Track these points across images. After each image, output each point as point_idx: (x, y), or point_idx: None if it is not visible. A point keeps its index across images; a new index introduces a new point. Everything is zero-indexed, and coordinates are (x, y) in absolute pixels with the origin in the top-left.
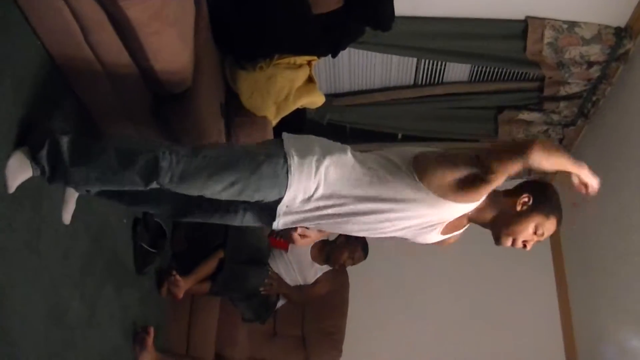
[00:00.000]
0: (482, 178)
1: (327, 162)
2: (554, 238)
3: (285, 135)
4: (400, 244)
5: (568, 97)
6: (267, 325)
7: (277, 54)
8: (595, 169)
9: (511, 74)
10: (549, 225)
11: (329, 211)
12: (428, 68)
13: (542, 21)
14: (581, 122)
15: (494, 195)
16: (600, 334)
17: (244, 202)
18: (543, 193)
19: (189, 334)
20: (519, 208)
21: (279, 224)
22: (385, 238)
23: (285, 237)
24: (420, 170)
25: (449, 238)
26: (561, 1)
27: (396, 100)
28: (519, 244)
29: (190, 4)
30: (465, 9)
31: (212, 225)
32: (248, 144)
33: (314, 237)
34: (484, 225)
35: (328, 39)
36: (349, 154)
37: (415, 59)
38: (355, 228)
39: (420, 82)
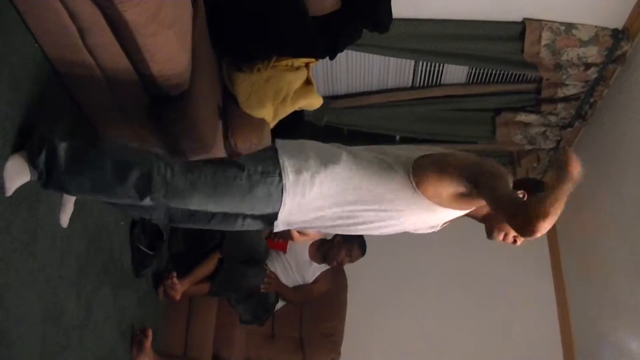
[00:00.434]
0: (471, 196)
1: (322, 175)
2: (552, 239)
3: (278, 143)
4: (399, 246)
5: (565, 99)
6: (265, 326)
7: (274, 56)
8: (592, 171)
9: (509, 75)
10: None
11: (327, 221)
12: (426, 70)
13: (539, 23)
14: (579, 123)
15: None
16: (598, 335)
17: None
18: (537, 190)
19: (187, 335)
20: None
21: (278, 227)
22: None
23: (285, 236)
24: (418, 178)
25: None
26: (559, 3)
27: (394, 102)
28: (510, 239)
29: (188, 5)
30: (462, 10)
31: None
32: (243, 157)
33: (313, 235)
34: (478, 219)
35: (325, 41)
36: (343, 162)
37: (412, 61)
38: (352, 229)
39: (417, 84)
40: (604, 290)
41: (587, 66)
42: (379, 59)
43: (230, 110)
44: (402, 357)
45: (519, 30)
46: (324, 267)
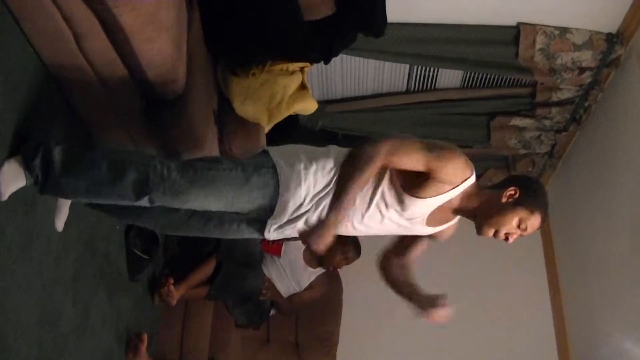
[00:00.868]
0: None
1: (314, 167)
2: (547, 240)
3: (269, 148)
4: None
5: (560, 103)
6: (261, 331)
7: (269, 60)
8: (587, 175)
9: (503, 80)
10: (533, 221)
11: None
12: (420, 74)
13: (533, 27)
14: (573, 127)
15: (481, 188)
16: (594, 336)
17: (236, 213)
18: (530, 188)
19: (182, 339)
20: (504, 200)
21: (270, 231)
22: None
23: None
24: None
25: (442, 231)
26: (553, 7)
27: (388, 106)
28: (501, 235)
29: (183, 10)
30: (457, 15)
31: None
32: (237, 156)
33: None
34: (469, 216)
35: (320, 45)
36: (333, 157)
37: (407, 65)
38: (341, 229)
39: (412, 89)
40: (598, 292)
41: (582, 70)
42: (374, 64)
43: (225, 115)
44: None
45: (513, 35)
46: (319, 271)
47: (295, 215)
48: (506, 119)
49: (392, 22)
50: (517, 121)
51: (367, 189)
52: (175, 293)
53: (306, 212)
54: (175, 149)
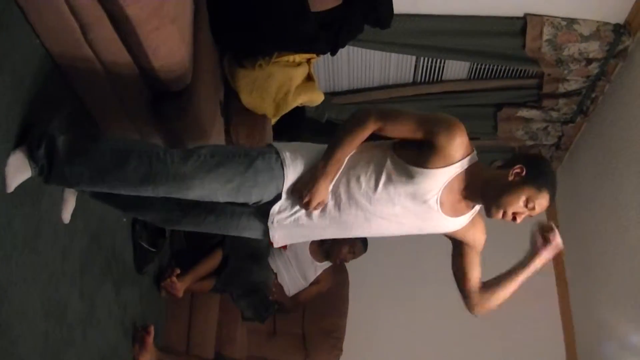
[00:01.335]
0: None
1: (317, 155)
2: None
3: (273, 142)
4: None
5: (567, 94)
6: (267, 323)
7: (276, 51)
8: (594, 166)
9: (510, 71)
10: (541, 200)
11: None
12: (427, 66)
13: (540, 18)
14: (580, 119)
15: (487, 168)
16: (600, 329)
17: (240, 205)
18: (537, 166)
19: (189, 332)
20: (510, 178)
21: (273, 222)
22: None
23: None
24: (397, 148)
25: (473, 235)
26: None
27: (395, 98)
28: (509, 215)
29: (189, 1)
30: (464, 6)
31: None
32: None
33: None
34: (477, 197)
35: (327, 36)
36: None
37: (414, 57)
38: (351, 217)
39: (419, 80)
40: (605, 285)
41: (589, 61)
42: (380, 55)
43: (231, 106)
44: (404, 352)
45: (520, 26)
46: (326, 265)
47: (299, 205)
48: (513, 110)
49: (398, 13)
50: (523, 112)
51: (370, 174)
52: (180, 285)
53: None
54: (181, 140)
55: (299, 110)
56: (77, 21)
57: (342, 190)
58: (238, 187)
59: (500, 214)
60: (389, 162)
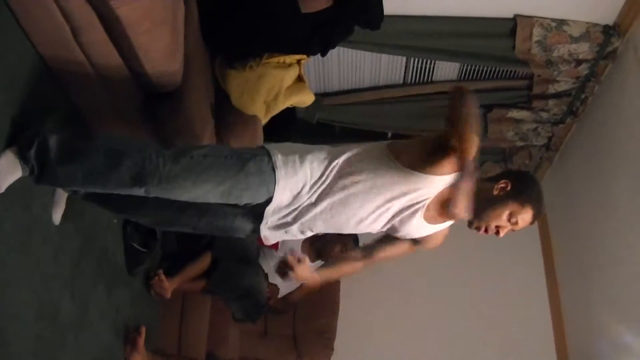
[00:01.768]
0: (444, 147)
1: (309, 157)
2: (544, 233)
3: (264, 144)
4: None
5: (557, 95)
6: (259, 324)
7: (266, 53)
8: (584, 167)
9: (500, 72)
10: (524, 215)
11: (318, 207)
12: (417, 67)
13: (530, 19)
14: (570, 120)
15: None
16: (592, 329)
17: (232, 206)
18: (522, 182)
19: (181, 333)
20: (495, 192)
21: (267, 223)
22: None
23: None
24: (394, 151)
25: (430, 237)
26: None
27: (386, 99)
28: (492, 229)
29: (180, 3)
30: (454, 7)
31: None
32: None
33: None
34: None
35: (317, 37)
36: (326, 149)
37: (404, 58)
38: (342, 217)
39: (409, 81)
40: (596, 285)
41: (578, 62)
42: (371, 56)
43: (222, 107)
44: (395, 352)
45: (510, 27)
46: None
47: (293, 207)
48: (503, 111)
49: (389, 14)
50: (514, 113)
51: (367, 179)
52: (168, 285)
53: (303, 204)
54: (173, 142)
55: (290, 111)
56: (68, 24)
57: (338, 195)
58: (229, 189)
59: (483, 226)
60: (387, 167)
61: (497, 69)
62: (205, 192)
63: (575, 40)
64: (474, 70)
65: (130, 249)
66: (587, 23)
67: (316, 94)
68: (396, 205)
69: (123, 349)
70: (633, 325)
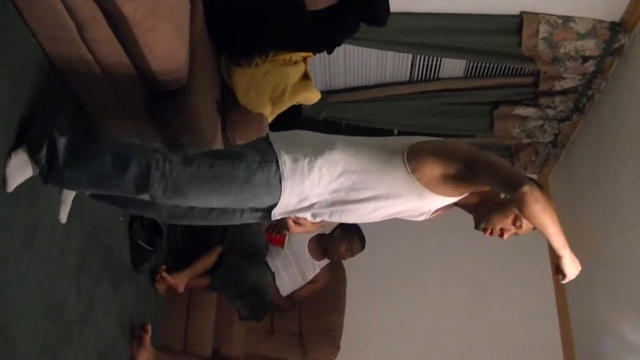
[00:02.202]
0: (467, 179)
1: (319, 163)
2: None
3: (272, 136)
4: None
5: (563, 92)
6: (265, 322)
7: (272, 50)
8: (590, 164)
9: (506, 69)
10: None
11: (324, 207)
12: (423, 64)
13: (537, 16)
14: (576, 116)
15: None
16: (598, 326)
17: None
18: None
19: (186, 330)
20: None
21: (275, 216)
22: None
23: (281, 228)
24: (413, 163)
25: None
26: None
27: (392, 96)
28: (497, 231)
29: (185, 0)
30: (460, 4)
31: None
32: (239, 147)
33: (309, 226)
34: (469, 210)
35: (323, 35)
36: (338, 148)
37: (410, 55)
38: (352, 217)
39: (415, 78)
40: (602, 283)
41: (585, 59)
42: (377, 53)
43: (228, 105)
44: (401, 349)
45: (516, 24)
46: (324, 263)
47: (299, 207)
48: (509, 108)
49: (394, 11)
50: (520, 110)
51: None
52: (179, 280)
53: (312, 205)
54: (179, 139)
55: (296, 109)
56: (73, 21)
57: (349, 206)
58: (234, 198)
59: (488, 228)
60: (403, 182)
61: (503, 66)
62: (210, 200)
63: (581, 36)
64: (480, 67)
65: (136, 246)
66: (593, 20)
67: (322, 91)
68: (406, 213)
69: (129, 345)
70: (638, 322)
